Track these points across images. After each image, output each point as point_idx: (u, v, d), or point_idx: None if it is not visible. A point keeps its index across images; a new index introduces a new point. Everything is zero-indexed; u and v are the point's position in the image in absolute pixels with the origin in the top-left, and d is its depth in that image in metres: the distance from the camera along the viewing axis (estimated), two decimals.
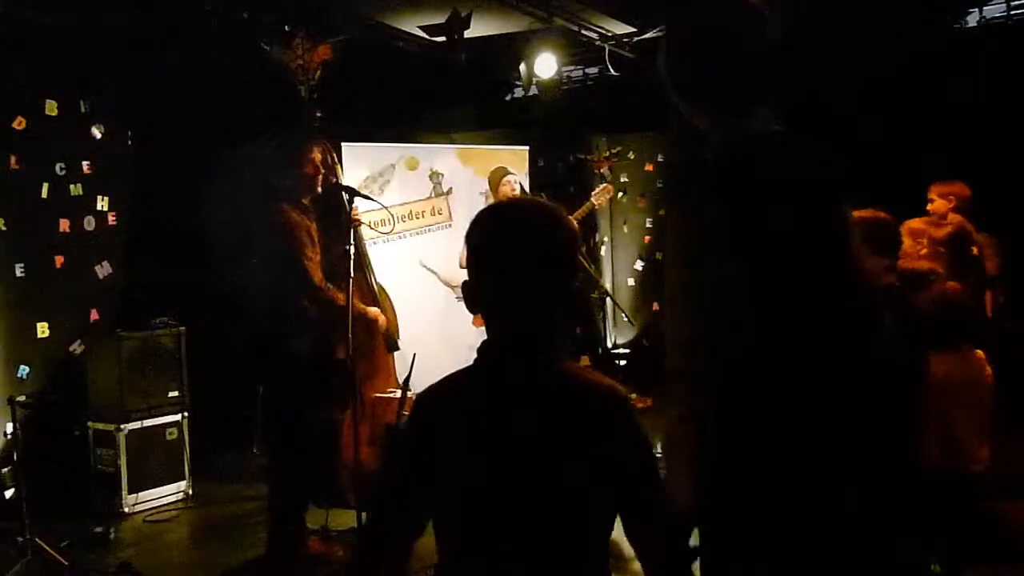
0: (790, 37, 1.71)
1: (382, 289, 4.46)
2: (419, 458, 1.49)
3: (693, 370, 1.60)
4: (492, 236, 1.48)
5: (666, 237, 1.72)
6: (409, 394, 4.09)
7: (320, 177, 4.06)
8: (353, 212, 4.03)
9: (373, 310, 4.22)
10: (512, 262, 1.43)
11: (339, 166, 4.14)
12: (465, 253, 1.53)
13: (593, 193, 6.06)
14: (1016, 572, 3.56)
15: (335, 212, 4.21)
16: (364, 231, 5.60)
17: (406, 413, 4.12)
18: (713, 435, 1.57)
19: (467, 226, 1.51)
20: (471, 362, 1.50)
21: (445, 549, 1.50)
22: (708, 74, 1.69)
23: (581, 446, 1.40)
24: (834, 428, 1.62)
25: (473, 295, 1.48)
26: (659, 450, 1.71)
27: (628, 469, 1.43)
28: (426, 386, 1.56)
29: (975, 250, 3.58)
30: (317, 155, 4.06)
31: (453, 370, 1.51)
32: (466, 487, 1.44)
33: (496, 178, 5.92)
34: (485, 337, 1.50)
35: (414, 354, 3.94)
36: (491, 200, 5.95)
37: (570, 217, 1.56)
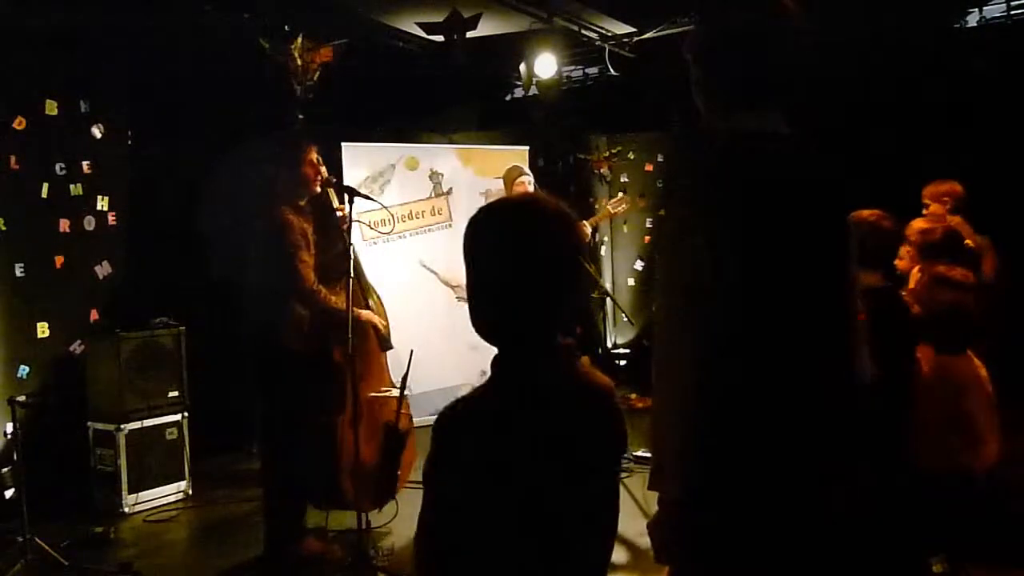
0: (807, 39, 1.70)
1: (371, 289, 4.45)
2: (458, 484, 1.37)
3: (683, 365, 1.59)
4: (488, 238, 1.39)
5: (663, 228, 1.71)
6: (407, 393, 4.09)
7: (319, 177, 4.05)
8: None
9: (365, 313, 4.18)
10: (508, 265, 1.35)
11: (323, 166, 4.14)
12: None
13: (611, 202, 5.89)
14: (1018, 572, 3.56)
15: (328, 212, 4.21)
16: (365, 231, 5.64)
17: (405, 413, 4.13)
18: (702, 431, 1.57)
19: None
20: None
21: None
22: (732, 69, 1.68)
23: (603, 452, 1.35)
24: (825, 426, 1.62)
25: (473, 302, 1.40)
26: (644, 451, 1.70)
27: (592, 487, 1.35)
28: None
29: (970, 243, 3.56)
30: (314, 155, 4.06)
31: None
32: (488, 499, 1.32)
33: (510, 177, 5.70)
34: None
35: (411, 351, 3.93)
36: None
37: (581, 221, 1.49)
